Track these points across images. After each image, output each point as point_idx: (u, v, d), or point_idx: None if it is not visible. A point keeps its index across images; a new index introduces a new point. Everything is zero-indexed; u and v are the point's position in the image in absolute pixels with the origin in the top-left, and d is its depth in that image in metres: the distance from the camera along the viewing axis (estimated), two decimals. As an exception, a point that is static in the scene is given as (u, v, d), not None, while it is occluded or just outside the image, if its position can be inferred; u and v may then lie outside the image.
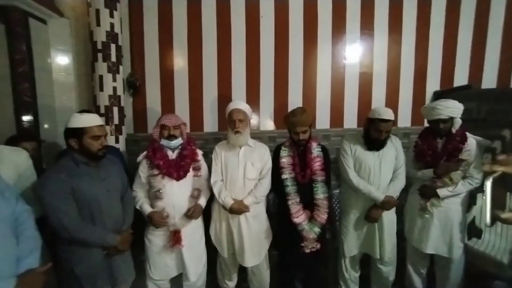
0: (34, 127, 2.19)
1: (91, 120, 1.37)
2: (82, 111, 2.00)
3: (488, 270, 1.92)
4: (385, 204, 1.77)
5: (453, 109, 1.73)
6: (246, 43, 2.62)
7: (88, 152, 1.37)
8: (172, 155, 1.78)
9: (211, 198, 1.96)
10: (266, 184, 1.87)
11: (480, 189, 2.14)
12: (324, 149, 1.87)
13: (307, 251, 1.74)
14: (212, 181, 1.87)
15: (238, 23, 2.60)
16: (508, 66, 2.69)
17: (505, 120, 2.44)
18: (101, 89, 2.25)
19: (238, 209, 1.78)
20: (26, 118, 2.13)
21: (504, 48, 2.67)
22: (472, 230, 2.08)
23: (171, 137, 1.75)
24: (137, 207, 1.72)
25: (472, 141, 1.79)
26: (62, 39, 2.46)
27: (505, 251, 1.90)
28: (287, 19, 2.60)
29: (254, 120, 2.69)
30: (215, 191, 1.85)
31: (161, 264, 1.77)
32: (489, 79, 2.70)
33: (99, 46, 2.22)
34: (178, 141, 1.78)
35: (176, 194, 1.74)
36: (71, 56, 2.50)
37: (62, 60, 2.48)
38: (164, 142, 1.76)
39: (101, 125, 1.40)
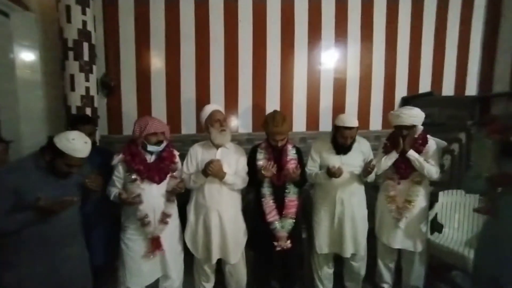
0: (-5, 128, 2.03)
1: (76, 151, 1.29)
2: (79, 118, 1.91)
3: (448, 262, 2.11)
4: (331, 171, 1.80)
5: (415, 118, 1.87)
6: (225, 46, 2.64)
7: (55, 170, 1.31)
8: (150, 158, 1.74)
9: (186, 201, 1.95)
10: (242, 178, 1.89)
11: (442, 187, 2.35)
12: (298, 151, 1.95)
13: (278, 249, 1.80)
14: (183, 175, 1.86)
15: (217, 27, 2.61)
16: (462, 76, 2.97)
17: (461, 125, 2.71)
18: (72, 89, 2.15)
19: (215, 167, 1.73)
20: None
21: (459, 60, 2.94)
22: (434, 225, 2.27)
23: (158, 142, 1.72)
24: (112, 198, 1.67)
25: (432, 142, 1.97)
26: (27, 34, 2.31)
27: (461, 243, 2.10)
28: (264, 25, 2.66)
29: (232, 122, 2.71)
30: (186, 181, 1.84)
31: (138, 270, 1.73)
32: (448, 87, 2.96)
33: (70, 44, 2.11)
34: (163, 144, 1.76)
35: (155, 197, 1.72)
36: (38, 52, 2.36)
37: (27, 56, 2.33)
38: (151, 148, 1.71)
39: (82, 158, 1.33)
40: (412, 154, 1.91)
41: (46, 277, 1.32)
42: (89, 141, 1.36)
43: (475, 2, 2.90)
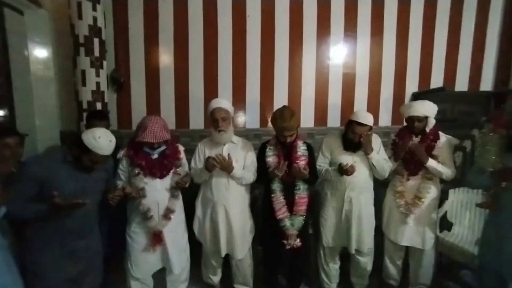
0: (10, 122, 2.10)
1: (102, 149, 1.35)
2: (95, 114, 2.02)
3: (457, 260, 2.07)
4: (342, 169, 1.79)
5: (427, 108, 1.85)
6: (233, 41, 2.63)
7: (81, 164, 1.39)
8: (154, 154, 1.74)
9: (194, 196, 1.97)
10: (251, 173, 1.90)
11: (452, 185, 2.30)
12: (309, 147, 1.92)
13: (288, 247, 1.80)
14: (191, 170, 1.88)
15: (225, 21, 2.60)
16: (477, 71, 2.87)
17: (474, 121, 2.63)
18: (84, 84, 2.19)
19: (225, 162, 1.74)
20: (1, 112, 2.04)
21: (474, 54, 2.84)
22: (443, 223, 2.24)
23: (155, 148, 1.72)
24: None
25: (444, 139, 1.93)
26: (41, 31, 2.36)
27: (472, 242, 2.05)
28: (273, 19, 2.64)
29: (240, 117, 2.72)
30: (193, 175, 1.86)
31: (143, 261, 1.77)
32: (461, 82, 2.87)
33: (81, 40, 2.15)
34: (162, 148, 1.75)
35: (159, 191, 1.74)
36: (51, 49, 2.42)
37: (40, 53, 2.39)
38: (147, 149, 1.71)
39: (107, 156, 1.40)
40: (430, 164, 1.86)
41: (64, 264, 1.41)
42: (113, 139, 1.42)
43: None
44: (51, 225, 1.37)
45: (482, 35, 2.83)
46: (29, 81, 2.34)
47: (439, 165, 1.87)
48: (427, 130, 1.90)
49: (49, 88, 2.44)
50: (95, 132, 1.36)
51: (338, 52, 2.74)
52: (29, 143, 2.12)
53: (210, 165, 1.73)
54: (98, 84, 2.25)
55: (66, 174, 1.37)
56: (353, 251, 1.95)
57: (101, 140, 1.35)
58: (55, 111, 2.49)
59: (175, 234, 1.82)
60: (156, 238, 1.73)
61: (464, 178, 2.55)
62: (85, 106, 2.21)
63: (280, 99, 2.69)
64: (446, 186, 2.17)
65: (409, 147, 1.90)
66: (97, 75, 2.24)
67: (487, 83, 2.88)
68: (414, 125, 1.88)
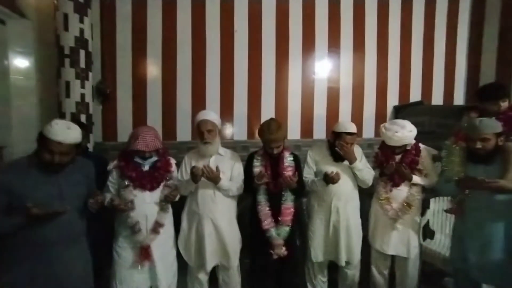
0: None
1: (55, 134, 1.25)
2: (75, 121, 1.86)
3: (441, 268, 2.13)
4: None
5: (407, 138, 1.89)
6: (221, 54, 2.69)
7: (41, 160, 1.28)
8: (145, 166, 1.72)
9: (181, 209, 1.94)
10: (237, 184, 1.89)
11: (432, 194, 2.39)
12: (296, 158, 1.95)
13: (275, 257, 1.79)
14: (177, 182, 1.85)
15: (213, 35, 2.67)
16: (450, 87, 3.09)
17: (451, 132, 2.78)
18: (68, 96, 2.15)
19: (210, 173, 1.70)
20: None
21: (447, 72, 3.06)
22: (426, 232, 2.30)
23: (147, 158, 1.70)
24: (105, 204, 1.61)
25: (424, 151, 2.00)
26: (23, 41, 2.31)
27: (453, 249, 2.13)
28: (260, 35, 2.73)
29: (227, 129, 2.73)
30: (179, 188, 1.83)
31: (129, 279, 1.69)
32: (437, 97, 3.06)
33: (67, 51, 2.13)
34: (154, 158, 1.73)
35: (148, 204, 1.70)
36: (33, 59, 2.36)
37: (21, 63, 2.33)
38: (139, 159, 1.69)
39: (60, 143, 1.26)
40: (415, 181, 1.93)
41: (43, 280, 1.31)
42: (74, 128, 1.32)
43: (459, 18, 3.03)
44: (27, 240, 1.26)
45: (452, 55, 3.07)
46: (8, 91, 2.26)
47: (423, 180, 1.95)
48: (408, 147, 1.97)
49: (30, 98, 2.37)
50: (54, 120, 1.28)
51: (323, 67, 2.86)
52: (6, 156, 2.03)
53: (195, 174, 1.70)
54: (83, 95, 2.21)
55: (34, 179, 1.26)
56: (343, 264, 1.95)
57: (57, 126, 1.25)
58: (35, 123, 2.40)
59: (163, 249, 1.76)
60: (144, 253, 1.67)
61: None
62: (68, 117, 2.16)
63: (267, 112, 2.74)
64: (427, 195, 2.25)
65: (391, 171, 1.95)
66: (82, 86, 2.20)
67: (459, 98, 3.09)
68: (395, 150, 1.95)
